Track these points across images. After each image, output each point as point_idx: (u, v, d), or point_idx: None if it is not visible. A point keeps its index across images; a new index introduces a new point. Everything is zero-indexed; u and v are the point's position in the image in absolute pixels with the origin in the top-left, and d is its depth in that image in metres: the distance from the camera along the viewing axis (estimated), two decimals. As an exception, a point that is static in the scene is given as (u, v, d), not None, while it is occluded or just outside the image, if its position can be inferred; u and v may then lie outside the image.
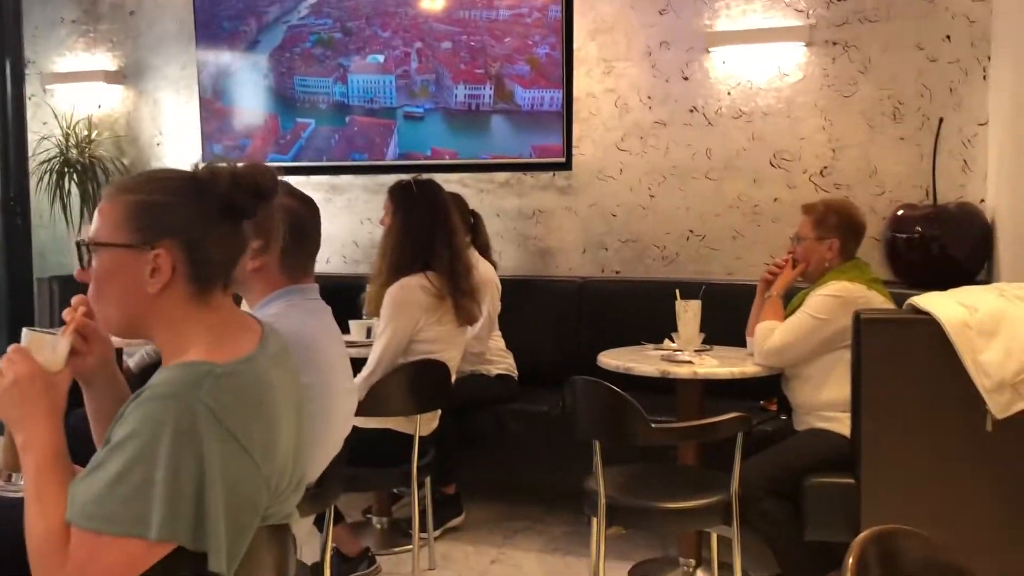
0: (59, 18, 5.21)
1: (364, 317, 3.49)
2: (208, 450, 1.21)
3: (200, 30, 4.87)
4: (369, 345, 3.21)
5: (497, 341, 3.84)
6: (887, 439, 2.51)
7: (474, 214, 3.88)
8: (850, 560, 1.05)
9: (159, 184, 1.37)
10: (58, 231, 5.11)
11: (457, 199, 3.72)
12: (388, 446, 3.07)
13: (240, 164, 1.41)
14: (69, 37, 5.21)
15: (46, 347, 1.36)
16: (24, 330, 1.37)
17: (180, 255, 1.34)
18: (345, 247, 4.75)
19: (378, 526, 3.57)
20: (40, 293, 4.87)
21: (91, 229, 1.37)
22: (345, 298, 3.22)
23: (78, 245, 1.38)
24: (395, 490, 3.63)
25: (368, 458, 2.90)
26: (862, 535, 1.10)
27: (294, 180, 1.87)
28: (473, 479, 3.79)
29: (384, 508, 3.60)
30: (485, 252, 3.86)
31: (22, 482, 1.33)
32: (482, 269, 3.66)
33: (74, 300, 1.44)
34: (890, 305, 2.91)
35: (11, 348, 1.36)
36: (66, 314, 1.43)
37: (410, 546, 3.21)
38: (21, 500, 1.30)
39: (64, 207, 4.98)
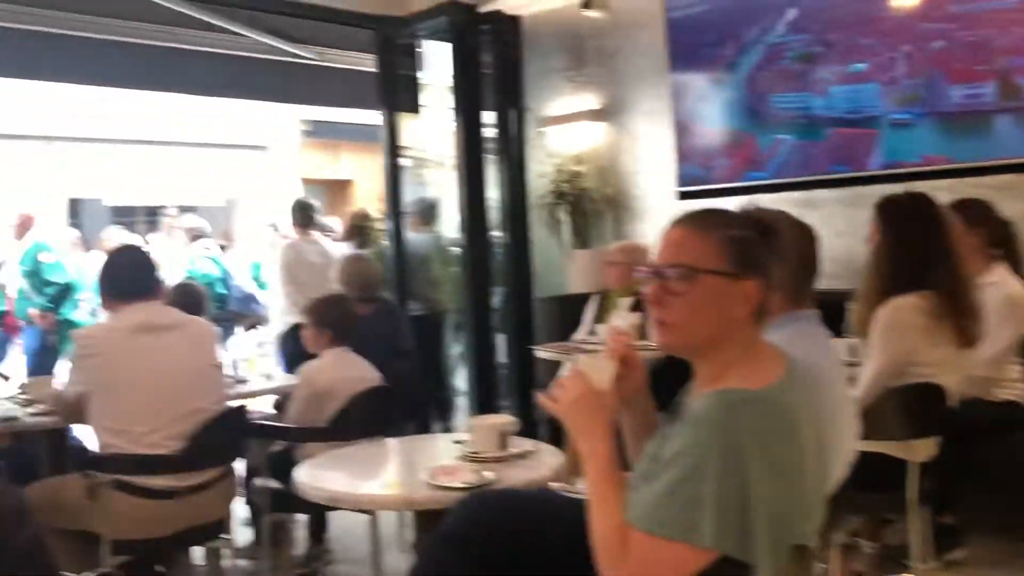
0: (551, 67, 5.86)
1: (848, 336, 3.40)
2: (750, 470, 1.33)
3: (676, 61, 5.15)
4: (853, 365, 3.13)
5: (1016, 366, 3.44)
6: None
7: (1005, 224, 3.56)
8: None
9: (743, 223, 1.54)
10: (551, 256, 5.73)
11: (979, 207, 3.45)
12: (880, 470, 2.96)
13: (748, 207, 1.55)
14: (560, 84, 5.83)
15: (597, 370, 1.58)
16: (579, 356, 1.61)
17: (761, 288, 1.51)
18: (822, 264, 4.66)
19: (868, 551, 3.46)
20: (539, 310, 5.55)
21: (671, 257, 1.52)
22: (823, 315, 3.18)
23: (660, 269, 1.52)
24: (886, 516, 3.49)
25: (859, 481, 2.84)
26: None
27: (769, 197, 1.95)
28: (976, 510, 3.50)
29: (874, 533, 3.47)
30: (1019, 266, 3.52)
31: (580, 485, 1.56)
32: (1011, 287, 3.35)
33: (614, 330, 1.65)
34: None
35: (571, 369, 1.61)
36: (608, 341, 1.64)
37: (904, 575, 3.07)
38: (581, 500, 1.53)
39: (558, 234, 5.59)
